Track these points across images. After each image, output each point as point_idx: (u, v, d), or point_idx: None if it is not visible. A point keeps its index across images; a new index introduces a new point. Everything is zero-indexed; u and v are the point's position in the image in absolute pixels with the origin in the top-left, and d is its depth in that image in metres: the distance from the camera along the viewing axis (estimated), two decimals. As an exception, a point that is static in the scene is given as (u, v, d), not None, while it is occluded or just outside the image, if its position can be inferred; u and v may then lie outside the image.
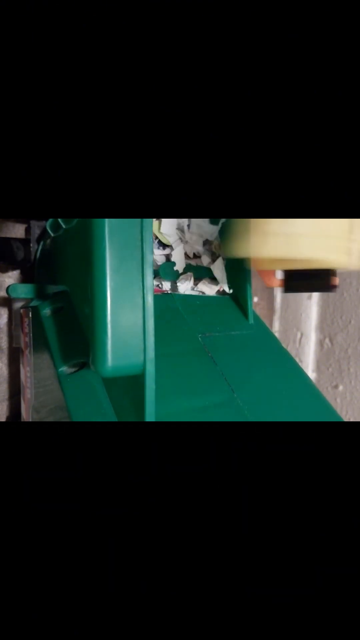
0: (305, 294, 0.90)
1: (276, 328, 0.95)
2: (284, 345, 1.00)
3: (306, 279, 0.30)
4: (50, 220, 0.33)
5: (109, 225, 0.23)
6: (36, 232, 0.41)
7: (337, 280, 0.30)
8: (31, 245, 0.40)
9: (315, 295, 0.89)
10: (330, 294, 0.87)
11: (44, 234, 0.39)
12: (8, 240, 0.44)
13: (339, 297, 0.85)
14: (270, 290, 0.89)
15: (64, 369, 0.28)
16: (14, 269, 0.47)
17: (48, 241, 0.38)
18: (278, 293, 0.95)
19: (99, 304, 0.22)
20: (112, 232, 0.23)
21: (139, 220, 0.23)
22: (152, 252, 0.23)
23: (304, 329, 0.91)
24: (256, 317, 0.35)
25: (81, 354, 0.27)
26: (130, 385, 0.24)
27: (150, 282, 0.23)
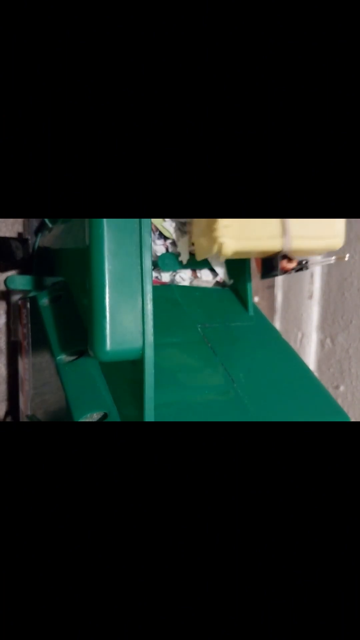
0: (306, 294, 0.90)
1: (277, 328, 0.95)
2: (284, 345, 0.99)
3: (267, 266, 0.31)
4: None
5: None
6: (34, 224, 0.41)
7: (287, 264, 0.32)
8: (29, 237, 0.40)
9: (316, 295, 0.89)
10: (331, 294, 0.87)
11: (42, 226, 0.39)
12: (7, 240, 0.44)
13: (340, 297, 0.85)
14: (270, 290, 0.89)
15: (62, 357, 0.27)
16: (12, 268, 0.47)
17: (46, 232, 0.38)
18: (279, 293, 0.94)
19: (97, 289, 0.22)
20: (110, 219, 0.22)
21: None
22: (150, 235, 0.23)
23: (304, 329, 0.90)
24: (256, 309, 0.35)
25: (79, 342, 0.27)
26: (128, 370, 0.24)
27: (149, 265, 0.23)
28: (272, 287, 0.91)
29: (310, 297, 0.89)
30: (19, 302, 0.35)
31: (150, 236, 0.23)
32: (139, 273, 0.23)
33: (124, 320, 0.22)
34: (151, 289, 0.23)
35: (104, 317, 0.22)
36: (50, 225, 0.34)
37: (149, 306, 0.23)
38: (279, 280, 0.94)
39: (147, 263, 0.23)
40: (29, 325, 0.33)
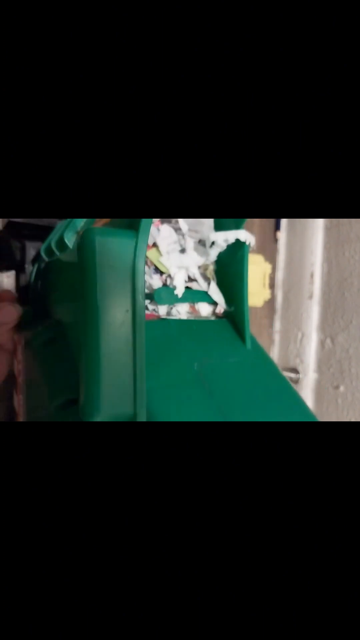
0: (306, 294, 0.89)
1: (277, 328, 0.95)
2: (284, 345, 1.00)
3: None
4: (45, 245, 0.33)
5: (99, 251, 0.22)
6: (31, 253, 0.40)
7: None
8: (26, 266, 0.40)
9: (316, 295, 0.88)
10: (331, 294, 0.86)
11: (38, 256, 0.38)
12: (7, 240, 0.43)
13: (340, 297, 0.85)
14: (271, 290, 0.88)
15: (56, 403, 0.27)
16: (11, 268, 0.46)
17: (42, 265, 0.38)
18: (279, 293, 0.94)
19: (89, 351, 0.22)
20: (102, 256, 0.22)
21: (132, 246, 0.22)
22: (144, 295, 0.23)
23: (305, 329, 0.90)
24: (254, 342, 0.34)
25: (73, 390, 0.27)
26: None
27: (142, 320, 0.22)
28: (272, 287, 0.91)
29: (310, 297, 0.88)
30: (15, 337, 0.35)
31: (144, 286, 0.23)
32: (131, 325, 0.22)
33: (117, 386, 0.22)
34: (144, 343, 0.22)
35: (99, 385, 0.22)
36: (46, 258, 0.33)
37: (142, 365, 0.22)
38: (279, 280, 0.94)
39: (141, 312, 0.23)
40: (24, 363, 0.33)
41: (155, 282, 0.32)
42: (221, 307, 0.35)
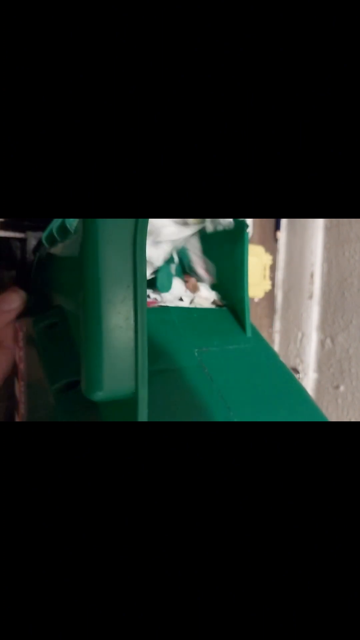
0: (306, 294, 0.89)
1: (277, 328, 0.95)
2: (284, 345, 1.00)
3: None
4: (46, 233, 0.33)
5: (102, 230, 0.22)
6: (32, 243, 0.41)
7: None
8: (27, 255, 0.40)
9: (316, 295, 0.88)
10: (331, 294, 0.86)
11: (40, 245, 0.39)
12: (7, 239, 0.43)
13: (340, 297, 0.85)
14: (271, 290, 0.88)
15: (57, 386, 0.27)
16: (12, 268, 0.46)
17: (44, 254, 0.38)
18: (279, 293, 0.94)
19: (91, 326, 0.22)
20: (105, 239, 0.22)
21: (132, 221, 0.22)
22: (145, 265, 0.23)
23: (304, 329, 0.90)
24: (254, 330, 0.35)
25: (74, 372, 0.27)
26: (122, 406, 0.24)
27: (143, 296, 0.22)
28: (272, 280, 0.91)
29: (310, 297, 0.88)
30: (16, 324, 0.35)
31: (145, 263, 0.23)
32: (132, 307, 0.22)
33: (118, 360, 0.22)
34: (145, 323, 0.22)
35: (100, 360, 0.22)
36: (47, 245, 0.33)
37: (144, 341, 0.22)
38: (279, 280, 0.94)
39: (142, 293, 0.22)
40: (25, 349, 0.33)
41: (156, 252, 0.32)
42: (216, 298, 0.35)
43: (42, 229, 0.42)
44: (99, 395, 0.21)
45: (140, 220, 0.22)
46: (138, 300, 0.22)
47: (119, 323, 0.22)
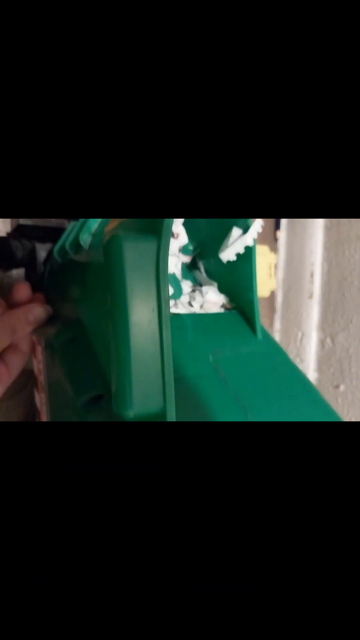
0: (306, 294, 0.89)
1: (277, 327, 0.95)
2: (284, 345, 1.00)
3: None
4: (58, 246, 0.33)
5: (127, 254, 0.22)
6: (42, 255, 0.40)
7: None
8: (37, 268, 0.40)
9: (316, 295, 0.88)
10: (331, 294, 0.86)
11: (50, 257, 0.38)
12: (7, 239, 0.43)
13: (340, 297, 0.85)
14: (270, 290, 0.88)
15: (82, 401, 0.28)
16: (12, 267, 0.46)
17: (55, 266, 0.38)
18: (279, 293, 0.94)
19: (121, 351, 0.22)
20: (130, 261, 0.22)
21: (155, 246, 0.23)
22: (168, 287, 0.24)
23: (304, 329, 0.90)
24: (264, 332, 0.35)
25: (98, 387, 0.27)
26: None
27: (167, 317, 0.23)
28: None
29: (310, 296, 0.89)
30: (33, 337, 0.35)
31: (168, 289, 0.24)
32: (157, 325, 0.23)
33: (147, 383, 0.23)
34: (170, 342, 0.23)
35: (130, 381, 0.22)
36: (59, 260, 0.33)
37: (169, 358, 0.23)
38: (279, 279, 0.94)
39: (166, 311, 0.23)
40: (44, 362, 0.33)
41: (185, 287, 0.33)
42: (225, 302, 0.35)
43: (51, 240, 0.42)
44: (130, 414, 0.22)
45: (162, 245, 0.22)
46: (162, 322, 0.23)
47: (146, 346, 0.23)
